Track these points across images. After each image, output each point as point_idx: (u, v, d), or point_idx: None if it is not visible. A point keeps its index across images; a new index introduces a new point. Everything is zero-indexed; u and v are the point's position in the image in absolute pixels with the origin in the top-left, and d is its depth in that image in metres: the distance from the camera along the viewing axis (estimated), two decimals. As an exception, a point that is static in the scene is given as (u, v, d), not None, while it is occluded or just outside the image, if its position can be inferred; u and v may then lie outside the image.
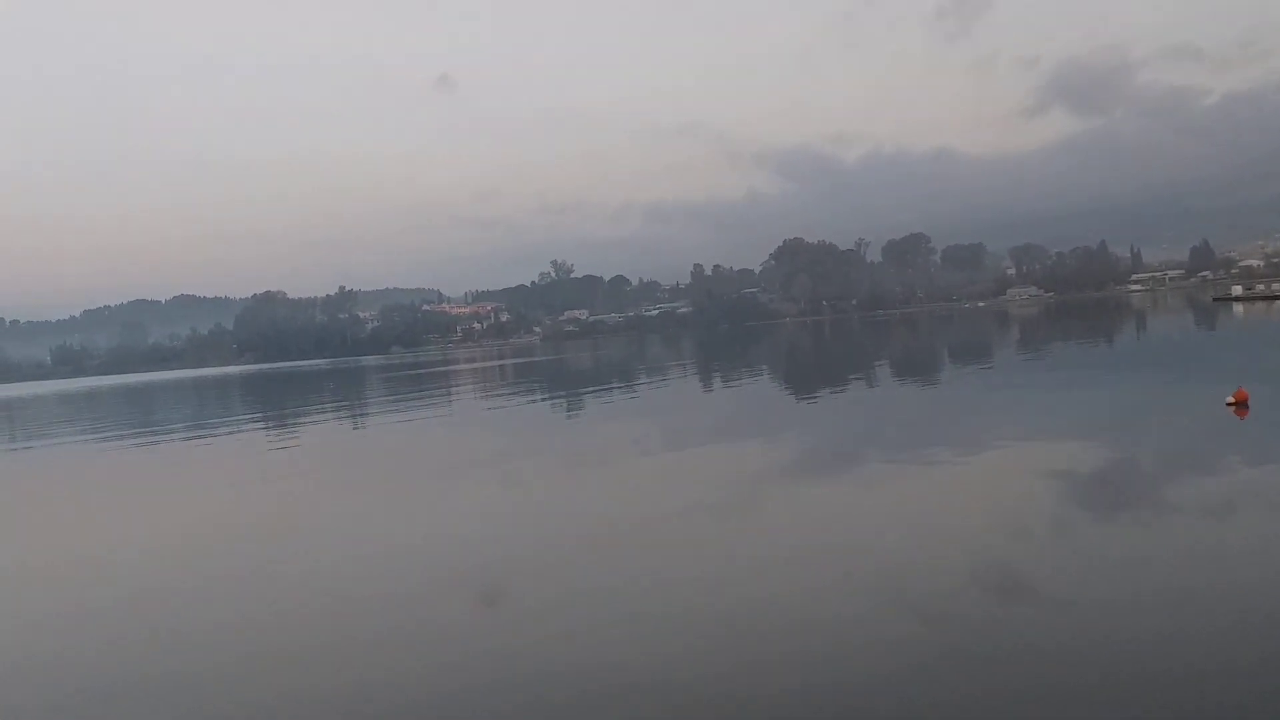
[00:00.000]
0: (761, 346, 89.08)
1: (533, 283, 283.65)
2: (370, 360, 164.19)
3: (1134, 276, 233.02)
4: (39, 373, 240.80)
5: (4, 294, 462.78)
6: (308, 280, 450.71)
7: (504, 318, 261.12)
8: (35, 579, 13.83)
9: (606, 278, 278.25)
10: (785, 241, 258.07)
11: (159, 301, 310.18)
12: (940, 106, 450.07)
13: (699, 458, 20.14)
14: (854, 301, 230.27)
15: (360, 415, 43.12)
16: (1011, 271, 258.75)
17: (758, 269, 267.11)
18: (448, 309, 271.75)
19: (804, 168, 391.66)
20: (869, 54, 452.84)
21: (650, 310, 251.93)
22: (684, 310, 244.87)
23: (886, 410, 27.10)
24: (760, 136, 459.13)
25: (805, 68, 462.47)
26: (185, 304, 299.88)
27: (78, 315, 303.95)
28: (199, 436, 37.54)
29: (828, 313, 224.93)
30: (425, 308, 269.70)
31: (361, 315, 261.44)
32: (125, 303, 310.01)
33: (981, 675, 7.36)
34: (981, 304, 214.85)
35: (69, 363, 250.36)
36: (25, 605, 12.24)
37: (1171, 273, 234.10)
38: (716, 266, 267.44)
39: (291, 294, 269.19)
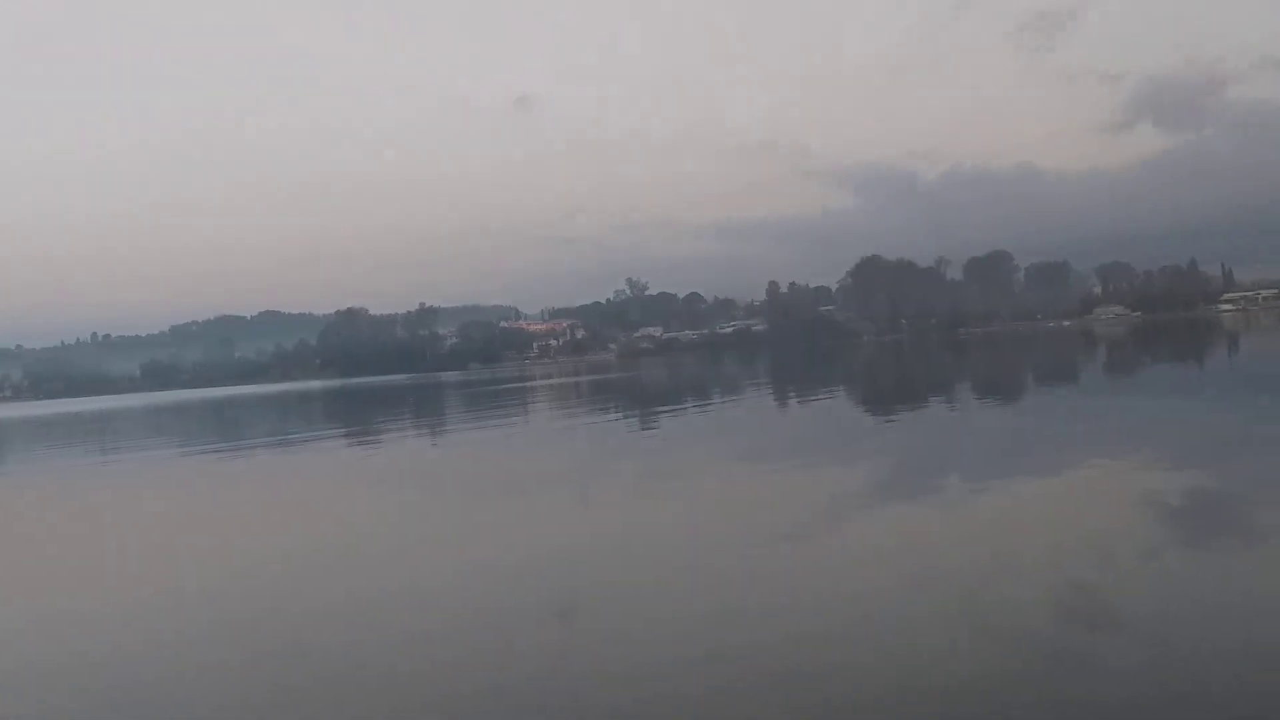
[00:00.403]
0: (838, 365, 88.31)
1: (608, 300, 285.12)
2: (449, 376, 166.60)
3: (1225, 296, 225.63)
4: (130, 386, 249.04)
5: (98, 311, 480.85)
6: (389, 297, 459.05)
7: (579, 334, 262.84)
8: (123, 593, 14.26)
9: (681, 295, 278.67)
10: (863, 259, 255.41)
11: (245, 317, 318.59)
12: (1023, 123, 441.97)
13: (773, 478, 19.98)
14: (934, 320, 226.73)
15: (439, 431, 43.76)
16: (1098, 290, 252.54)
17: (834, 287, 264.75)
18: (525, 326, 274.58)
19: (883, 185, 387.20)
20: (950, 70, 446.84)
21: (725, 328, 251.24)
22: (759, 328, 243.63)
23: (968, 431, 26.58)
24: (838, 153, 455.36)
25: (885, 84, 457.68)
26: (271, 320, 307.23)
27: (167, 331, 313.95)
28: (286, 449, 38.41)
29: (906, 331, 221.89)
30: (503, 324, 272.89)
31: (441, 332, 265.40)
32: (213, 318, 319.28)
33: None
34: (1067, 323, 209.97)
35: (158, 376, 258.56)
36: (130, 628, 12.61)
37: (1265, 292, 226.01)
38: (792, 284, 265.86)
39: (374, 310, 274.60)
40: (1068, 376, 47.65)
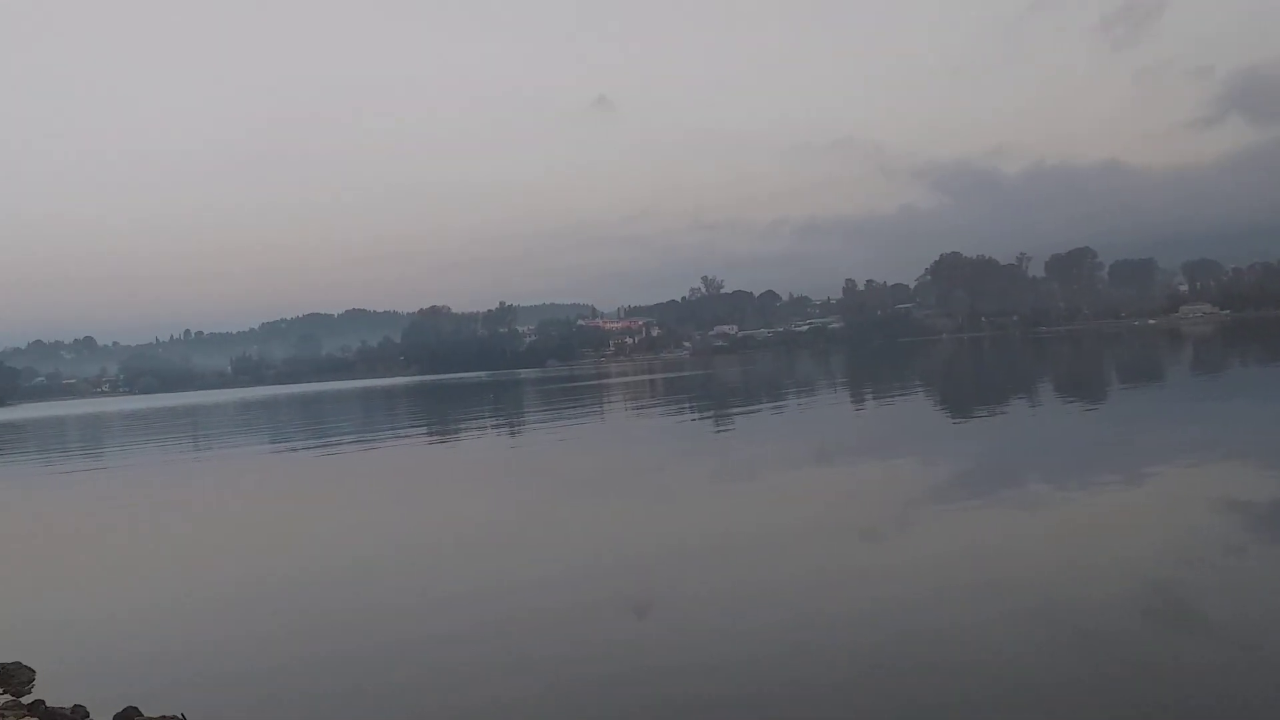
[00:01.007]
0: (915, 363, 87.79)
1: (683, 298, 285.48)
2: (527, 373, 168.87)
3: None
4: (220, 381, 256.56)
5: (191, 309, 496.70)
6: (470, 295, 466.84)
7: (655, 332, 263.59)
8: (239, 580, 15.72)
9: (756, 293, 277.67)
10: (942, 256, 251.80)
11: (332, 315, 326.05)
12: (1107, 118, 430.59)
13: (847, 477, 20.51)
14: (1015, 318, 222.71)
15: (525, 428, 45.07)
16: (1184, 288, 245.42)
17: (913, 284, 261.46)
18: (601, 324, 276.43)
19: (962, 181, 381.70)
20: (1031, 64, 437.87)
21: (800, 326, 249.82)
22: (835, 326, 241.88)
23: (1048, 431, 26.69)
24: (916, 150, 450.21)
25: (963, 80, 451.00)
26: (356, 318, 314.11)
27: (256, 327, 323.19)
28: (386, 445, 40.09)
29: (987, 329, 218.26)
30: (580, 322, 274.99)
31: (520, 329, 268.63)
32: (300, 316, 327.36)
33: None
34: (1152, 321, 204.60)
35: (248, 372, 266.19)
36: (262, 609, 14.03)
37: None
38: (869, 281, 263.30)
39: (455, 309, 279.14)
40: (1153, 376, 47.09)
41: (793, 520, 15.89)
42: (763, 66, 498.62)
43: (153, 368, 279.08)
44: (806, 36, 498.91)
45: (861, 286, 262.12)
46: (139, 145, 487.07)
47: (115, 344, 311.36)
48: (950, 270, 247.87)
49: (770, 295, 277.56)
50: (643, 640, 10.11)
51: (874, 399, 46.10)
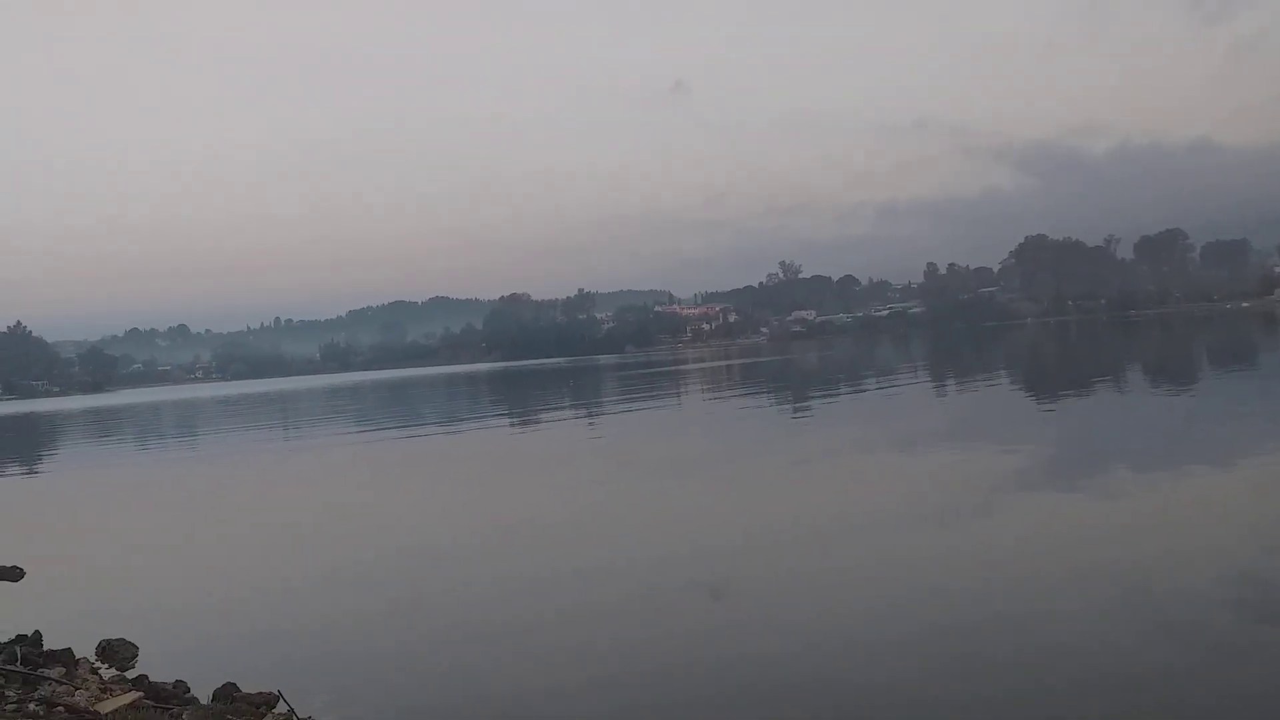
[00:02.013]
0: (999, 348, 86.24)
1: (760, 283, 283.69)
2: (605, 359, 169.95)
3: None
4: (309, 368, 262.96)
5: (280, 297, 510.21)
6: (549, 282, 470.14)
7: (732, 318, 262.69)
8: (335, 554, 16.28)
9: (835, 278, 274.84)
10: (1027, 238, 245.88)
11: (416, 303, 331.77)
12: (1198, 94, 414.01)
13: (928, 463, 20.38)
14: (1102, 301, 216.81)
15: (598, 413, 45.49)
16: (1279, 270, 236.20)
17: (996, 267, 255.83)
18: (678, 310, 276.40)
19: (1047, 162, 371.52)
20: (1118, 40, 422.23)
21: (880, 310, 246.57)
22: (916, 310, 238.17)
23: (1136, 417, 26.22)
24: (998, 130, 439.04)
25: (1047, 57, 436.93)
26: (439, 305, 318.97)
27: (344, 315, 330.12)
28: (461, 430, 40.89)
29: (1073, 313, 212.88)
30: (657, 309, 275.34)
31: (598, 316, 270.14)
32: (386, 304, 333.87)
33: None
34: (1245, 304, 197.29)
35: (336, 359, 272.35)
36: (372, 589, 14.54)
37: None
38: (951, 265, 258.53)
39: (535, 296, 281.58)
40: (1246, 361, 45.64)
41: (872, 506, 15.89)
42: (841, 47, 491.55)
43: (244, 354, 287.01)
44: (885, 15, 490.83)
45: (943, 270, 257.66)
46: (229, 142, 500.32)
47: (208, 331, 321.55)
48: (1035, 253, 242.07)
49: (849, 279, 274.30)
50: (721, 626, 10.22)
51: (956, 384, 45.53)
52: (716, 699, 8.19)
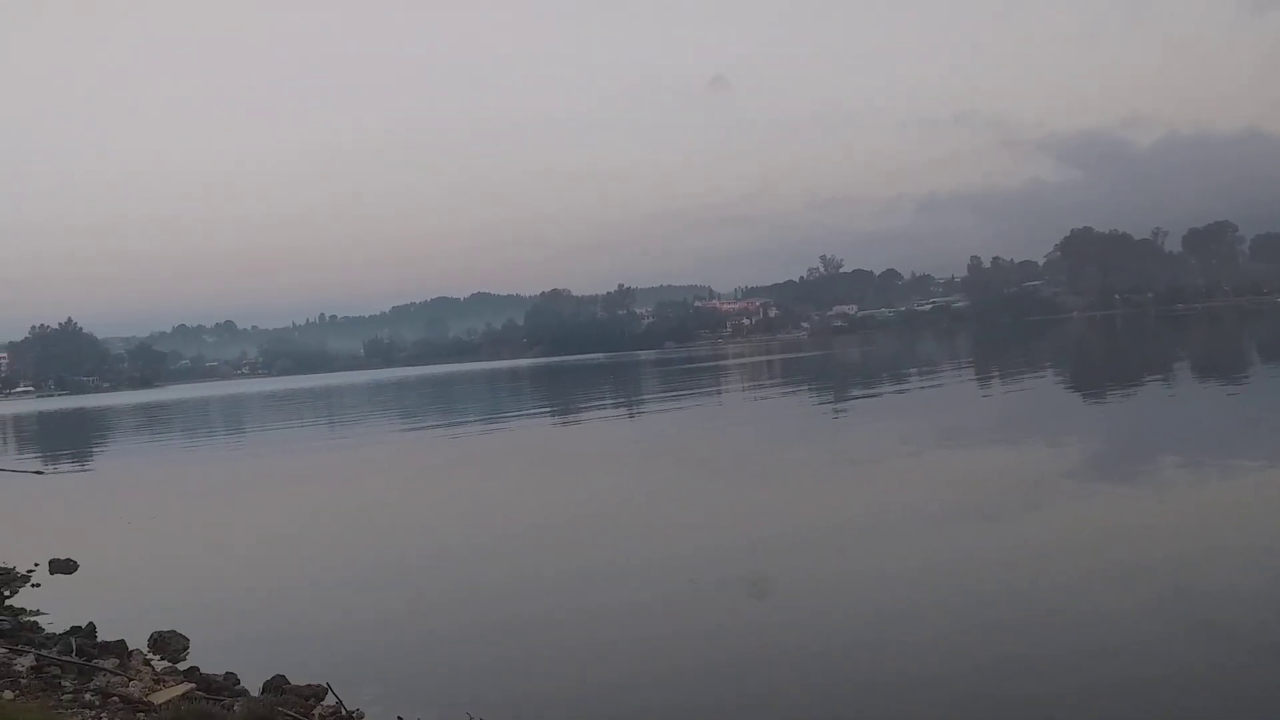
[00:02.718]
0: (1045, 342, 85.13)
1: (800, 278, 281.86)
2: (645, 355, 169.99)
3: None
4: (353, 363, 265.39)
5: (325, 293, 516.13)
6: (589, 278, 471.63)
7: (772, 313, 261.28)
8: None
9: (877, 272, 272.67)
10: (1073, 231, 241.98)
11: (458, 298, 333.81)
12: (1246, 83, 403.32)
13: (972, 458, 20.28)
14: (1150, 295, 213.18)
15: (639, 408, 45.59)
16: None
17: (1041, 261, 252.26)
18: (718, 305, 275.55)
19: (1091, 153, 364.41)
20: (1163, 29, 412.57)
21: (923, 305, 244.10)
22: (959, 304, 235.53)
23: (1184, 412, 25.90)
24: (1041, 122, 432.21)
25: (1090, 47, 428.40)
26: (481, 301, 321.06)
27: (387, 311, 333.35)
28: (504, 425, 41.17)
29: (1120, 307, 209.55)
30: (696, 304, 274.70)
31: (638, 311, 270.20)
32: (428, 300, 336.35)
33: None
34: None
35: (379, 354, 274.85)
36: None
37: None
38: (996, 259, 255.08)
39: (575, 291, 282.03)
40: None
41: (916, 503, 15.79)
42: (880, 40, 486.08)
43: (289, 350, 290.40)
44: (925, 8, 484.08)
45: (988, 264, 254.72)
46: (275, 143, 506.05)
47: (254, 328, 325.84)
48: (1081, 246, 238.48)
49: (891, 274, 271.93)
50: (766, 623, 10.28)
51: (1001, 379, 45.06)
52: (763, 695, 8.22)
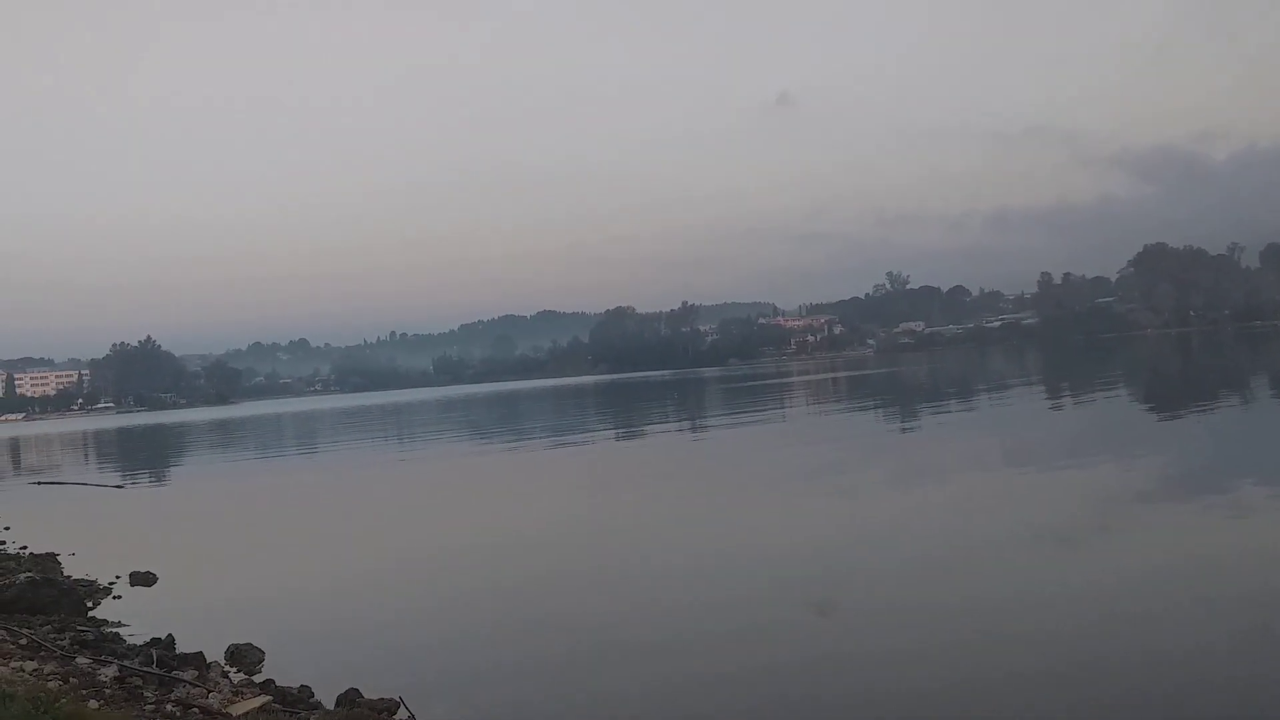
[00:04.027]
0: (1118, 360, 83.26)
1: (866, 295, 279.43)
2: (709, 372, 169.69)
3: None
4: (423, 380, 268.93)
5: (396, 312, 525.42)
6: (654, 295, 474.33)
7: (837, 330, 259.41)
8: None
9: (944, 289, 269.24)
10: (1146, 247, 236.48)
11: (524, 316, 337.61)
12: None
13: (1040, 478, 19.92)
14: (1226, 312, 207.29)
15: (703, 424, 45.49)
16: None
17: (1114, 277, 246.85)
18: (782, 322, 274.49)
19: (1165, 168, 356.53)
20: (1239, 41, 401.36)
21: (992, 322, 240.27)
22: (1029, 321, 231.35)
23: (1262, 433, 25.17)
24: (1114, 137, 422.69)
25: (1164, 61, 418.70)
26: (547, 319, 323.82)
27: (455, 329, 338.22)
28: (572, 441, 41.40)
29: (1195, 324, 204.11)
30: (760, 321, 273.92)
31: (701, 329, 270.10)
32: (496, 318, 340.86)
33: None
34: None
35: (448, 371, 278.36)
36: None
37: None
38: (1067, 275, 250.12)
39: (640, 309, 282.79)
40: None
41: (983, 524, 15.62)
42: (949, 54, 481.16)
43: (361, 367, 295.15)
44: (994, 23, 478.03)
45: (1059, 280, 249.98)
46: (346, 170, 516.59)
47: (327, 345, 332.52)
48: (1155, 262, 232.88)
49: (959, 290, 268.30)
50: (825, 644, 10.23)
51: (1072, 398, 44.19)
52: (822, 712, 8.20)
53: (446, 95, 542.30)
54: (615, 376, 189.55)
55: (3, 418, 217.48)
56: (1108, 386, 50.24)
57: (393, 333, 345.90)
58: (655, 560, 15.07)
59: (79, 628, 12.25)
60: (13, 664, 9.55)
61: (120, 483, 35.80)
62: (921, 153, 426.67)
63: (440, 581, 14.71)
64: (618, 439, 41.67)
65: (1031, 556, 13.11)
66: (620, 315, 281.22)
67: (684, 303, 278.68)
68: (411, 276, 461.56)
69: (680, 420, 51.38)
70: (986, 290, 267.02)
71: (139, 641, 11.49)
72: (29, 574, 14.33)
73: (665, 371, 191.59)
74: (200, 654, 10.79)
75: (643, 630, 11.19)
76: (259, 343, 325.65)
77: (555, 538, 17.83)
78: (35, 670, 9.35)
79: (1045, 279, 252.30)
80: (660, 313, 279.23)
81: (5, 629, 11.64)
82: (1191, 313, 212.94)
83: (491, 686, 9.59)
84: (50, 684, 8.73)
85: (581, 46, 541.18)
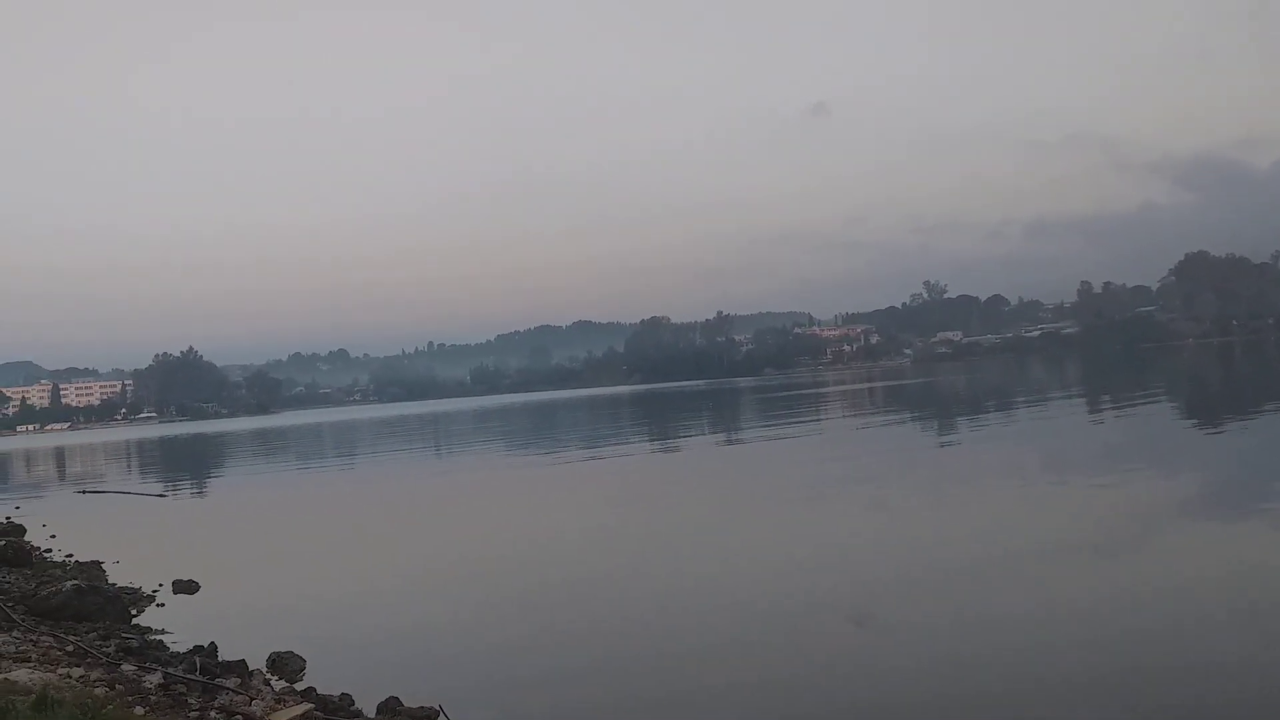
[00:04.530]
0: (1160, 370, 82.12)
1: (903, 304, 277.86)
2: (744, 382, 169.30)
3: None
4: (460, 390, 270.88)
5: (433, 323, 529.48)
6: (688, 305, 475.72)
7: (874, 339, 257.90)
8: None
9: (983, 298, 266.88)
10: (1187, 255, 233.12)
11: (560, 327, 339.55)
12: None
13: (1083, 491, 19.70)
14: (1269, 321, 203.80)
15: (738, 434, 45.40)
16: None
17: (1155, 286, 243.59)
18: (818, 331, 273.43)
19: (1206, 176, 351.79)
20: (1278, 47, 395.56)
21: (1031, 331, 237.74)
22: (1069, 331, 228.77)
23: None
24: (1154, 144, 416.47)
25: (1204, 67, 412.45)
26: (582, 329, 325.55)
27: (492, 339, 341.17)
28: (607, 452, 41.46)
29: (1238, 333, 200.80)
30: (796, 330, 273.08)
31: (737, 339, 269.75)
32: (531, 328, 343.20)
33: None
34: None
35: (485, 381, 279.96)
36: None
37: None
38: (1107, 284, 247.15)
39: (674, 319, 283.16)
40: None
41: (1021, 535, 15.49)
42: (985, 63, 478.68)
43: (399, 378, 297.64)
44: (1030, 29, 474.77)
45: (1098, 289, 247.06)
46: (386, 182, 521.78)
47: (366, 355, 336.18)
48: (1197, 271, 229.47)
49: (998, 299, 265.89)
50: (860, 656, 10.23)
51: (1113, 408, 43.63)
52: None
53: (484, 107, 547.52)
54: (650, 386, 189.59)
55: (48, 427, 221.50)
56: (1150, 397, 49.55)
57: (430, 343, 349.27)
58: (691, 569, 15.08)
59: (123, 635, 12.46)
60: (60, 670, 9.72)
61: (163, 492, 36.34)
62: (958, 160, 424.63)
63: (478, 590, 14.81)
64: (653, 449, 41.69)
65: (1070, 569, 12.95)
66: (655, 325, 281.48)
67: (719, 312, 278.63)
68: (449, 287, 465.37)
69: (715, 431, 51.30)
70: (1026, 299, 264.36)
71: (182, 649, 11.65)
72: (75, 581, 14.57)
73: (700, 381, 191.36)
74: (243, 662, 10.93)
75: (679, 638, 11.22)
76: (299, 353, 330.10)
77: (592, 546, 17.90)
78: (82, 676, 9.52)
79: (1085, 288, 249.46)
80: (695, 322, 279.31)
81: (52, 635, 11.87)
82: (1234, 322, 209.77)
83: (530, 695, 9.65)
84: (97, 690, 8.88)
85: (618, 58, 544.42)
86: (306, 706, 8.95)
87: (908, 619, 11.30)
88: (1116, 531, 15.19)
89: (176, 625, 13.33)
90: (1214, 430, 30.80)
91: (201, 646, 11.53)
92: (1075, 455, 26.19)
